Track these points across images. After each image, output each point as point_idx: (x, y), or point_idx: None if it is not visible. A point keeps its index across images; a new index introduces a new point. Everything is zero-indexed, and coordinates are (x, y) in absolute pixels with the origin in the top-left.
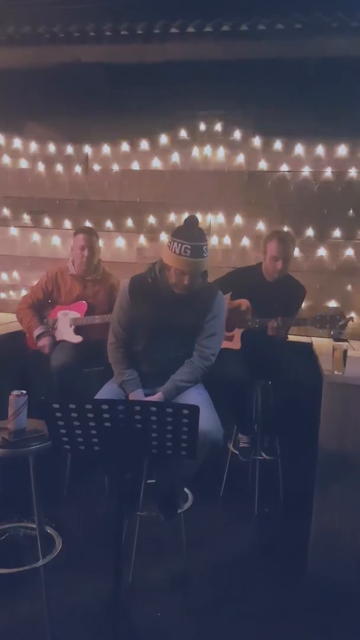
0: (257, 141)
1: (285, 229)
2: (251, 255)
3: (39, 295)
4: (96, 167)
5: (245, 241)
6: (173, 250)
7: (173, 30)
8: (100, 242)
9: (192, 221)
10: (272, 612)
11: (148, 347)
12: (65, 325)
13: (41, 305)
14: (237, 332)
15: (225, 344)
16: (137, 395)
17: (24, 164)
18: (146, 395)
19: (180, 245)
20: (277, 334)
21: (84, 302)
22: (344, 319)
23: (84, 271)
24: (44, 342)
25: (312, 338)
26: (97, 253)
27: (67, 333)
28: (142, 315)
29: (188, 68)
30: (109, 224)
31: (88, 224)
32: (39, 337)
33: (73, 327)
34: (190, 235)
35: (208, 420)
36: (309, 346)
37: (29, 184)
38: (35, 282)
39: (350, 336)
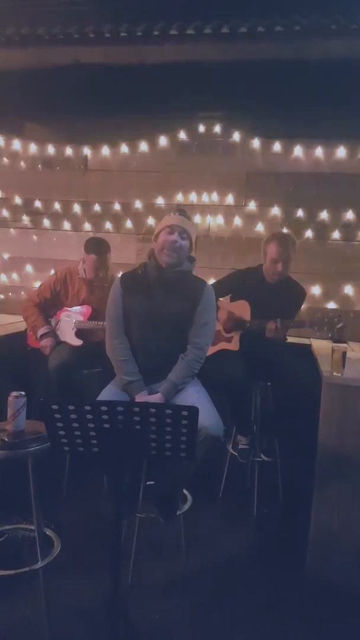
0: (256, 142)
1: (285, 230)
2: (250, 257)
3: (46, 295)
4: (95, 168)
5: (245, 242)
6: (161, 222)
7: (172, 31)
8: None
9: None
10: (271, 613)
11: (142, 339)
12: (68, 327)
13: (47, 305)
14: (236, 334)
15: (225, 345)
16: (142, 397)
17: (23, 165)
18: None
19: (167, 216)
20: (275, 335)
21: (90, 306)
22: (342, 322)
23: (94, 278)
24: (47, 343)
25: (311, 339)
26: (109, 265)
27: (68, 335)
28: (135, 306)
29: (187, 69)
30: (108, 224)
31: (88, 226)
32: (42, 336)
33: (75, 329)
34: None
35: (208, 416)
36: (308, 347)
37: (29, 184)
38: (35, 283)
39: (350, 337)
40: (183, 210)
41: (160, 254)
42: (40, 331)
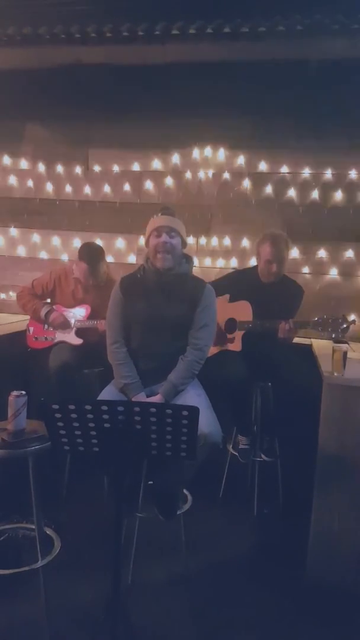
0: (257, 142)
1: (285, 230)
2: (251, 257)
3: (37, 291)
4: (96, 168)
5: (246, 243)
6: (148, 225)
7: (174, 31)
8: (99, 241)
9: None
10: (271, 613)
11: (143, 342)
12: None
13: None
14: (238, 334)
15: (227, 346)
16: (139, 399)
17: (24, 164)
18: (146, 395)
19: (152, 218)
20: (289, 336)
21: (89, 305)
22: (346, 322)
23: (85, 283)
24: (55, 316)
25: (312, 339)
26: (101, 272)
27: (68, 334)
28: (135, 310)
29: (189, 69)
30: (108, 224)
31: (89, 225)
32: (47, 314)
33: (75, 329)
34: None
35: (207, 423)
36: (308, 347)
37: (29, 184)
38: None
39: (350, 338)
40: (167, 209)
41: (155, 258)
42: (44, 310)
